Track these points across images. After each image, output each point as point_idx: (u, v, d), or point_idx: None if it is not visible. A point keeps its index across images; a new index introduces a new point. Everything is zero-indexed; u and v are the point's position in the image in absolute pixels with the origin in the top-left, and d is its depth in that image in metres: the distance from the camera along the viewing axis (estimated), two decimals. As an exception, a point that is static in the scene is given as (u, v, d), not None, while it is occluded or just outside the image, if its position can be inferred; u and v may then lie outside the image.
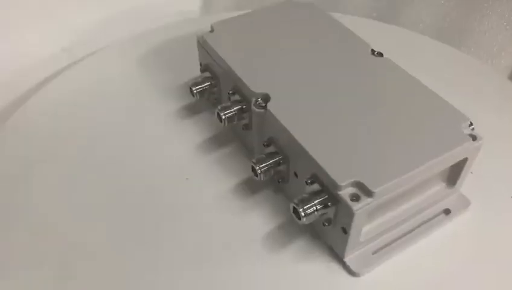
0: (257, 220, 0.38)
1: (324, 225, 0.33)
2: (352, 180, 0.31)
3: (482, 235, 0.37)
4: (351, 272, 0.34)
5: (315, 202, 0.32)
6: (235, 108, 0.39)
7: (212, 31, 0.44)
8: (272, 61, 0.40)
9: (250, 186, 0.40)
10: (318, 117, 0.35)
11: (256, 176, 0.37)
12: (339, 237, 0.33)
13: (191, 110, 0.47)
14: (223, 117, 0.39)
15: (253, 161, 0.37)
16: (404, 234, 0.36)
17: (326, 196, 0.32)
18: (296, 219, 0.33)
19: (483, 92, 0.48)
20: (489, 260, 0.35)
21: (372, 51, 0.41)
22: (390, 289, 0.34)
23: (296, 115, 0.35)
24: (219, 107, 0.40)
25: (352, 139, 0.34)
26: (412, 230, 0.36)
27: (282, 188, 0.39)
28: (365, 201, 0.30)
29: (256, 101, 0.37)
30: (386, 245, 0.35)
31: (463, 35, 0.63)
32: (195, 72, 0.46)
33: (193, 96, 0.44)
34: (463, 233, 0.37)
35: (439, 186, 0.37)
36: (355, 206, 0.30)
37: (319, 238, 0.36)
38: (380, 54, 0.41)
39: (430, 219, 0.37)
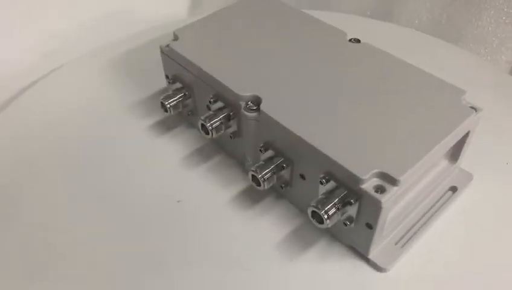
0: (268, 227, 0.35)
1: (346, 224, 0.31)
2: (374, 171, 0.29)
3: (491, 206, 0.37)
4: (378, 268, 0.32)
5: (335, 201, 0.30)
6: (220, 116, 0.36)
7: (176, 38, 0.41)
8: (251, 60, 0.38)
9: (250, 196, 0.37)
10: (317, 112, 0.33)
11: (259, 185, 0.34)
12: (363, 234, 0.31)
13: (164, 126, 0.43)
14: (210, 128, 0.36)
15: (253, 169, 0.34)
16: (419, 219, 0.35)
17: (345, 192, 0.30)
18: (317, 224, 0.31)
19: (482, 87, 0.46)
20: (506, 228, 0.35)
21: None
22: (419, 277, 0.32)
23: (293, 113, 0.33)
24: (203, 118, 0.36)
25: (359, 129, 0.32)
26: (426, 213, 0.35)
27: (285, 193, 0.37)
28: (392, 191, 0.28)
29: (247, 104, 0.34)
30: (406, 233, 0.34)
31: (461, 31, 0.61)
32: (163, 82, 0.43)
33: (166, 111, 0.40)
34: (473, 207, 0.36)
35: (444, 164, 0.36)
36: (384, 198, 0.28)
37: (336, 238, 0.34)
38: (357, 40, 0.40)
39: (439, 199, 0.36)
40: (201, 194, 0.37)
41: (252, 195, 0.37)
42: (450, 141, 0.32)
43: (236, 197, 0.37)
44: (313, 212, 0.30)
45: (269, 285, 0.32)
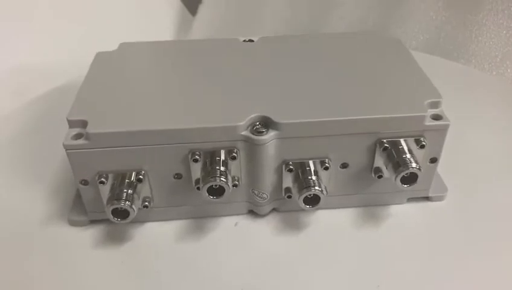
0: (333, 234, 0.32)
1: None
2: (426, 103, 0.29)
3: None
4: (440, 198, 0.33)
5: (412, 156, 0.29)
6: (224, 166, 0.28)
7: (84, 124, 0.28)
8: (201, 93, 0.31)
9: (287, 228, 0.32)
10: (320, 96, 0.31)
11: (317, 202, 0.29)
12: (426, 173, 0.31)
13: (110, 237, 0.31)
14: (230, 184, 0.28)
15: (309, 190, 0.28)
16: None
17: (412, 140, 0.29)
18: (410, 186, 0.29)
19: (493, 103, 0.45)
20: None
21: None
22: (467, 188, 0.34)
23: (306, 108, 0.29)
24: (213, 179, 0.28)
25: (362, 90, 0.31)
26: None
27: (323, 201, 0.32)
28: (443, 113, 0.30)
29: (254, 127, 0.28)
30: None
31: (461, 48, 0.57)
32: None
33: (126, 217, 0.29)
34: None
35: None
36: (448, 120, 0.29)
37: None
38: (251, 40, 0.38)
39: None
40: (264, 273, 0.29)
41: (289, 226, 0.32)
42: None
43: (278, 247, 0.31)
44: (403, 178, 0.29)
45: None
